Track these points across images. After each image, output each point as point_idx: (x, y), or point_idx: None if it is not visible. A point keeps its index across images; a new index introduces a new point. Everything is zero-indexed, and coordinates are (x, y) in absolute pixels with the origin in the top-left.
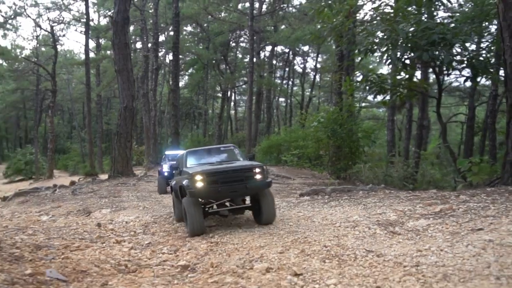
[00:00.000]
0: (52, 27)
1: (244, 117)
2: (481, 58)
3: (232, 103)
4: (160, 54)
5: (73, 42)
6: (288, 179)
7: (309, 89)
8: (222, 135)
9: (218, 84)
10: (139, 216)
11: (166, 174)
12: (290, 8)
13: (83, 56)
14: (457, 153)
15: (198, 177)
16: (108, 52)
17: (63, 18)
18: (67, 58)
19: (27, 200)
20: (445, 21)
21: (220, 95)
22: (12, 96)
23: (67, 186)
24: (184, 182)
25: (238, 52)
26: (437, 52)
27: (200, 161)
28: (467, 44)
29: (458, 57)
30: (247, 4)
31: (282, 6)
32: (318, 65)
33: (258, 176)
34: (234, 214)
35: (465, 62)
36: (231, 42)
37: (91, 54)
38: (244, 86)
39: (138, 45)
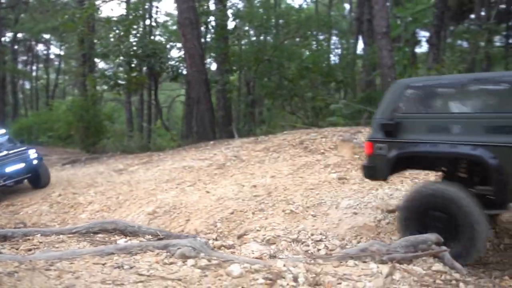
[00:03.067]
0: None
1: None
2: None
3: None
4: None
5: None
6: (45, 156)
7: (55, 74)
8: None
9: None
10: None
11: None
12: (32, 1)
13: None
14: (181, 124)
15: None
16: None
17: None
18: None
19: None
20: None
21: None
22: None
23: None
24: None
25: None
26: (151, 61)
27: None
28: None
29: (167, 64)
30: None
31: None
32: (62, 53)
33: None
34: None
35: (170, 68)
36: None
37: None
38: None
39: None
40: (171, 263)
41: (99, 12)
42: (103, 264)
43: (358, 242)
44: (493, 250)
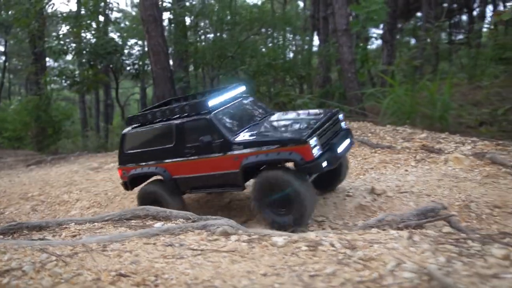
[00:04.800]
0: None
1: None
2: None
3: None
4: None
5: None
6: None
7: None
8: None
9: None
10: None
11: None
12: None
13: None
14: None
15: None
16: None
17: None
18: None
19: None
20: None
21: None
22: None
23: None
24: None
25: None
26: (113, 58)
27: None
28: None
29: (127, 62)
30: None
31: None
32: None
33: None
34: None
35: (131, 66)
36: None
37: None
38: None
39: None
40: (215, 240)
41: (50, 7)
42: (154, 244)
43: (358, 221)
44: (476, 219)
